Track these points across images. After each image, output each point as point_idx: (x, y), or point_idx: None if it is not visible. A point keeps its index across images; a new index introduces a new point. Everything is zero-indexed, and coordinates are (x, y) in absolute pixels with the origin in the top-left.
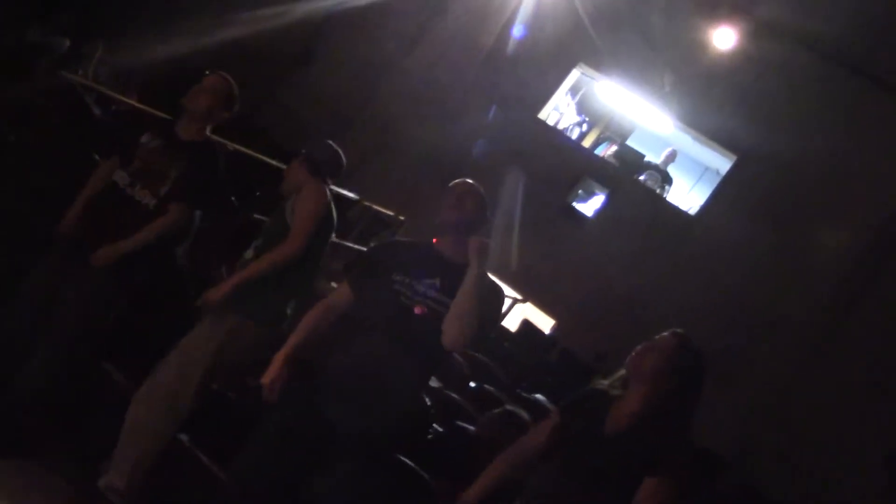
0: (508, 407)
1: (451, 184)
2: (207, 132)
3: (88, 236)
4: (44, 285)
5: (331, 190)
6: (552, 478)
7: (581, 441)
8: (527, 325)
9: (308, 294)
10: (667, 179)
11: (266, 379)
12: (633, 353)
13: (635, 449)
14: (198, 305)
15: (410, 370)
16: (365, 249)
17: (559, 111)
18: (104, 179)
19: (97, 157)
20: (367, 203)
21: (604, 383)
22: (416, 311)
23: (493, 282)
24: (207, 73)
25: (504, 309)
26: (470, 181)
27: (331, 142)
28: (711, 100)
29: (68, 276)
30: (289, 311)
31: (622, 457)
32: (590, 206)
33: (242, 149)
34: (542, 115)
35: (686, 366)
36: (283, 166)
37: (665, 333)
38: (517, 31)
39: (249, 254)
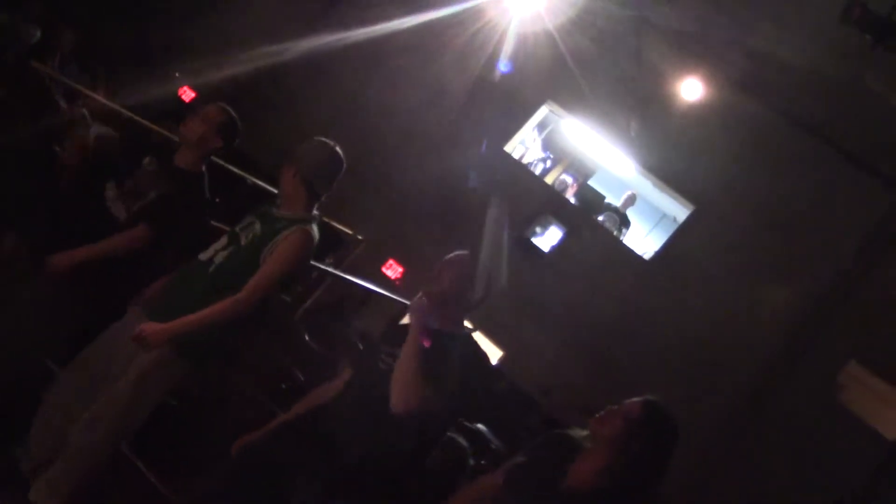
0: (453, 437)
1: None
2: (204, 164)
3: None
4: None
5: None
6: None
7: (535, 489)
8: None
9: (255, 323)
10: (625, 222)
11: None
12: (597, 415)
13: None
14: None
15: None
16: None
17: (525, 146)
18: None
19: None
20: (325, 219)
21: (580, 433)
22: (424, 342)
23: (475, 344)
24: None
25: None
26: (459, 254)
27: (326, 141)
28: (675, 148)
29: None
30: (223, 347)
31: None
32: (546, 241)
33: (237, 170)
34: (508, 148)
35: (649, 439)
36: (272, 189)
37: (636, 399)
38: (503, 66)
39: (209, 256)
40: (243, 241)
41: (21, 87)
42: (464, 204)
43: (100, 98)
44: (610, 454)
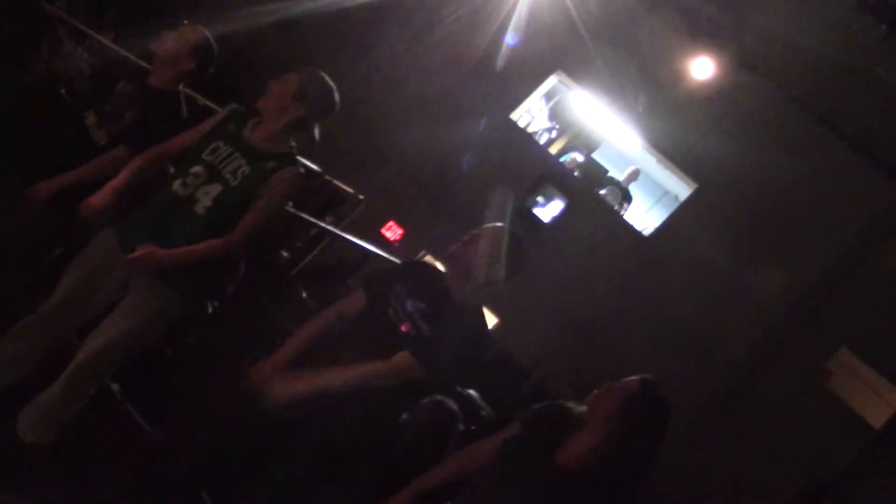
0: (437, 397)
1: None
2: (179, 84)
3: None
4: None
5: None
6: (490, 490)
7: (529, 463)
8: None
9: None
10: (626, 197)
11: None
12: (595, 392)
13: (578, 493)
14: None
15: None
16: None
17: (531, 115)
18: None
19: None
20: (327, 177)
21: (577, 408)
22: (403, 328)
23: (482, 316)
24: (185, 21)
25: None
26: (493, 227)
27: (330, 81)
28: (681, 126)
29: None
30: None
31: (562, 494)
32: (547, 213)
33: (211, 104)
34: (514, 116)
35: (643, 418)
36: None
37: (633, 378)
38: (510, 38)
39: (189, 193)
40: (232, 181)
41: (28, 25)
42: (467, 173)
43: (106, 41)
44: (605, 431)
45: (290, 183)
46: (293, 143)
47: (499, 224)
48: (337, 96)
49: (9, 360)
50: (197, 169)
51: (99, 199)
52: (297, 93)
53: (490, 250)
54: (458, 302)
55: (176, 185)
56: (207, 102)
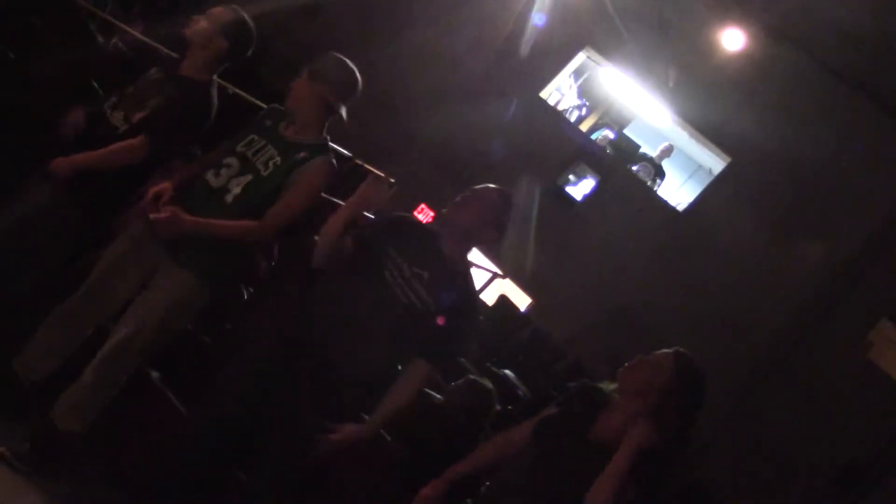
0: (471, 376)
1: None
2: (213, 72)
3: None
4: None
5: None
6: (524, 469)
7: (563, 441)
8: (503, 301)
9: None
10: (659, 173)
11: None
12: (626, 365)
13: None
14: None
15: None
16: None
17: (561, 92)
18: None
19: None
20: (358, 161)
21: (610, 387)
22: (438, 321)
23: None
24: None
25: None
26: (490, 187)
27: (346, 60)
28: (713, 99)
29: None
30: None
31: (598, 468)
32: (579, 191)
33: (243, 94)
34: (543, 94)
35: (679, 390)
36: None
37: (666, 350)
38: (537, 18)
39: (221, 184)
40: (263, 171)
41: (57, 18)
42: (496, 155)
43: (136, 33)
44: (639, 405)
45: (321, 172)
46: (327, 136)
47: (491, 185)
48: (357, 74)
49: (43, 351)
50: (230, 160)
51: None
52: (314, 74)
53: (485, 212)
54: (454, 266)
55: (209, 175)
56: (239, 92)
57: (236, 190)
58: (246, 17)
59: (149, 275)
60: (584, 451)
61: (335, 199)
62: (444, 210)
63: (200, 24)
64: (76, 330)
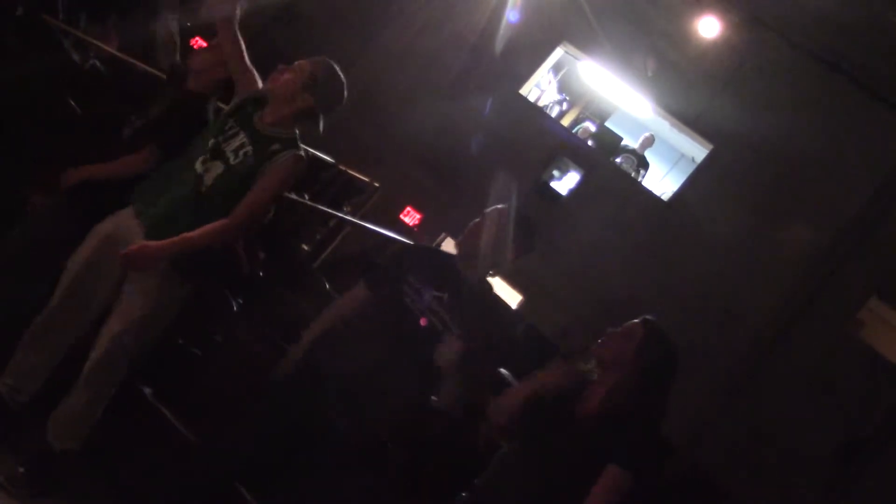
0: None
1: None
2: (214, 91)
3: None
4: None
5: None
6: (514, 454)
7: (550, 421)
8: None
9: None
10: (643, 164)
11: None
12: (600, 340)
13: (603, 437)
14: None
15: (408, 374)
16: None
17: (540, 88)
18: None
19: (97, 115)
20: (342, 167)
21: (584, 367)
22: (421, 321)
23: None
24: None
25: None
26: (497, 209)
27: (336, 66)
28: (692, 88)
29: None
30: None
31: (589, 443)
32: (564, 185)
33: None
34: (523, 91)
35: (652, 357)
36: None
37: (635, 321)
38: (511, 15)
39: (199, 166)
40: (233, 161)
41: (32, 39)
42: (479, 153)
43: (111, 49)
44: (616, 375)
45: (292, 165)
46: (297, 131)
47: (501, 206)
48: (346, 90)
49: (26, 370)
50: (208, 142)
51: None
52: (306, 82)
53: (495, 234)
54: (472, 284)
55: (199, 162)
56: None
57: (208, 179)
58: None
59: (123, 274)
60: (574, 430)
61: (318, 206)
62: (459, 238)
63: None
64: (57, 344)
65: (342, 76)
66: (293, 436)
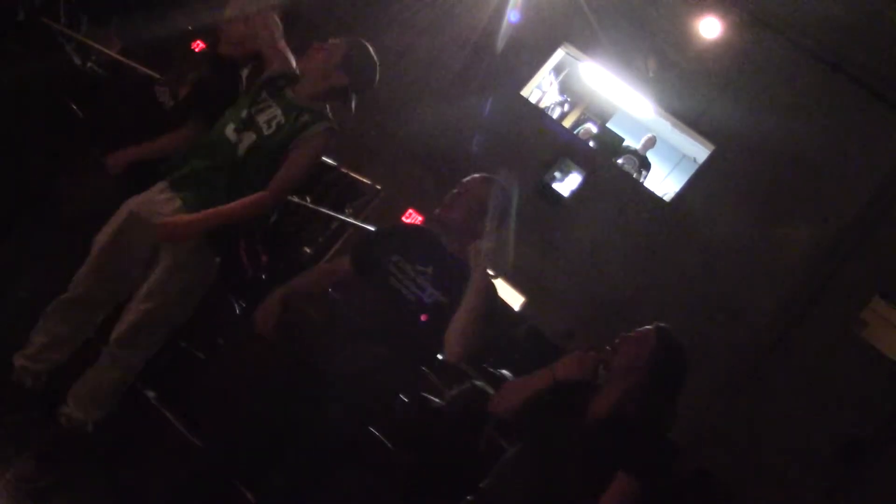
0: (477, 383)
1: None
2: (246, 60)
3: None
4: None
5: None
6: (520, 456)
7: (559, 423)
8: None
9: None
10: (644, 164)
11: (260, 315)
12: (611, 345)
13: (612, 442)
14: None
15: (401, 363)
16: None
17: (542, 90)
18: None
19: (99, 118)
20: (344, 170)
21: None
22: (422, 318)
23: (492, 285)
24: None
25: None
26: (479, 177)
27: (370, 48)
28: (693, 88)
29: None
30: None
31: (598, 446)
32: (566, 186)
33: None
34: (524, 93)
35: (663, 363)
36: None
37: (648, 326)
38: (512, 16)
39: (232, 136)
40: (266, 130)
41: (33, 44)
42: (480, 154)
43: (113, 54)
44: (629, 380)
45: (323, 138)
46: (328, 107)
47: (478, 175)
48: (378, 72)
49: (48, 343)
50: (241, 111)
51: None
52: (343, 61)
53: (477, 206)
54: (458, 258)
55: (229, 129)
56: None
57: (242, 147)
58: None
59: (155, 249)
60: (583, 433)
61: (321, 209)
62: (436, 210)
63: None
64: (82, 320)
65: (376, 58)
66: (292, 433)
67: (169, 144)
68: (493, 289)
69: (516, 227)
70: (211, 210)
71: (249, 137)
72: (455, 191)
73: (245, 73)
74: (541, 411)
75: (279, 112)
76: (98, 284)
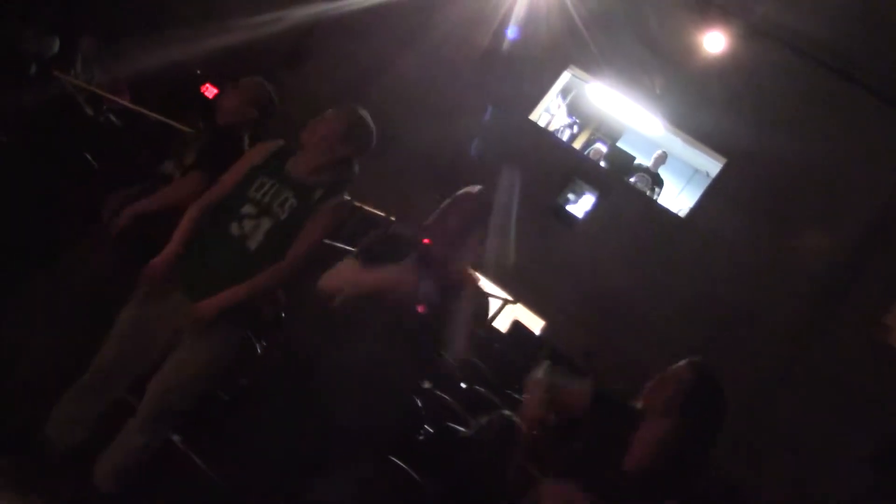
0: (506, 412)
1: (458, 192)
2: (243, 130)
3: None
4: None
5: None
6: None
7: (600, 466)
8: (517, 326)
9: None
10: (657, 181)
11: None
12: (648, 385)
13: (652, 489)
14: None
15: (404, 365)
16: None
17: (550, 113)
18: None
19: (114, 168)
20: (357, 203)
21: (637, 406)
22: (419, 309)
23: (483, 293)
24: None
25: (493, 311)
26: (469, 191)
27: (366, 114)
28: (702, 102)
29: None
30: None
31: (637, 494)
32: (580, 208)
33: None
34: (533, 117)
35: (703, 400)
36: None
37: (681, 363)
38: (511, 32)
39: (241, 232)
40: (281, 215)
41: (46, 97)
42: (490, 175)
43: (124, 102)
44: (669, 421)
45: (337, 210)
46: (338, 172)
47: (471, 189)
48: (375, 135)
49: (69, 421)
50: (248, 208)
51: (164, 262)
52: (345, 135)
53: (465, 217)
54: (449, 270)
55: (233, 227)
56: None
57: (258, 236)
58: (270, 90)
59: (178, 332)
60: (621, 480)
61: (335, 243)
62: (426, 222)
63: (231, 100)
64: (105, 396)
65: (371, 122)
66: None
67: (175, 194)
68: (483, 295)
69: (533, 249)
70: (231, 291)
71: (265, 223)
72: (447, 202)
73: (246, 138)
74: (577, 447)
75: (290, 194)
76: (124, 366)
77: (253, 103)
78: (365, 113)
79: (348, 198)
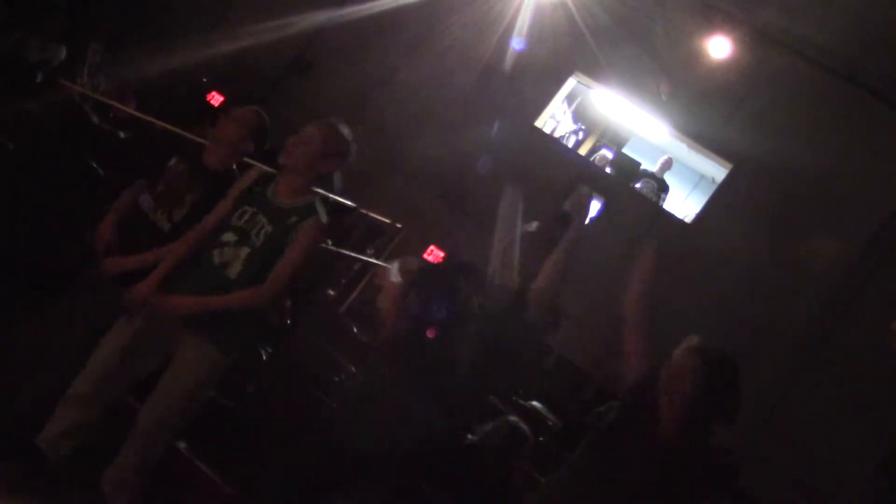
0: (511, 419)
1: None
2: (234, 162)
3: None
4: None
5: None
6: (588, 467)
7: (629, 449)
8: None
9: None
10: (663, 187)
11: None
12: (662, 379)
13: (686, 466)
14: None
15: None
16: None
17: (555, 119)
18: (131, 202)
19: (120, 176)
20: (363, 211)
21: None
22: (428, 333)
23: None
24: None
25: None
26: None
27: (341, 127)
28: (707, 108)
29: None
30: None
31: (669, 473)
32: None
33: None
34: (538, 123)
35: (715, 379)
36: None
37: (683, 349)
38: (517, 43)
39: (221, 260)
40: (257, 242)
41: (52, 104)
42: (497, 185)
43: (130, 110)
44: (688, 408)
45: (312, 233)
46: (317, 190)
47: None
48: (353, 146)
49: (64, 431)
50: (228, 236)
51: (148, 289)
52: (322, 153)
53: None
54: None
55: (214, 254)
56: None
57: (237, 265)
58: (266, 119)
59: (169, 350)
60: (653, 456)
61: (342, 251)
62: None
63: (229, 128)
64: (96, 409)
65: (348, 134)
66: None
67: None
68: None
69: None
70: (210, 297)
71: (244, 252)
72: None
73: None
74: (608, 423)
75: (266, 221)
76: (114, 381)
77: (251, 137)
78: (341, 125)
79: (320, 219)
